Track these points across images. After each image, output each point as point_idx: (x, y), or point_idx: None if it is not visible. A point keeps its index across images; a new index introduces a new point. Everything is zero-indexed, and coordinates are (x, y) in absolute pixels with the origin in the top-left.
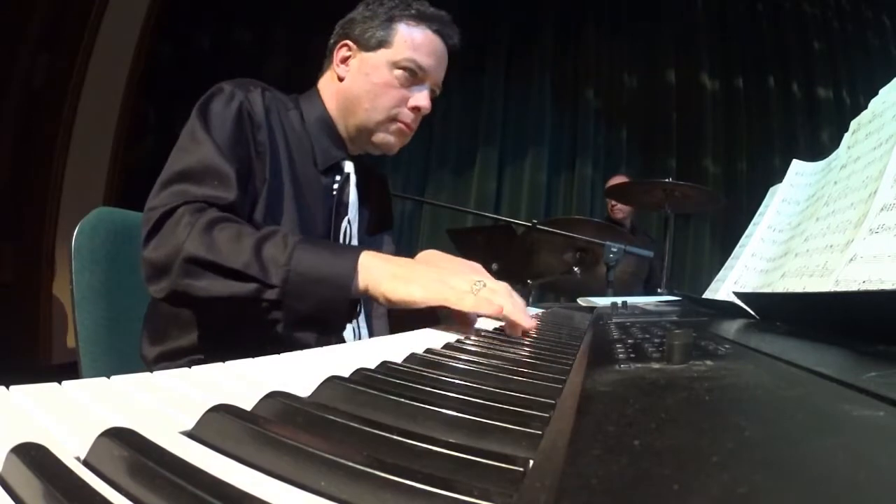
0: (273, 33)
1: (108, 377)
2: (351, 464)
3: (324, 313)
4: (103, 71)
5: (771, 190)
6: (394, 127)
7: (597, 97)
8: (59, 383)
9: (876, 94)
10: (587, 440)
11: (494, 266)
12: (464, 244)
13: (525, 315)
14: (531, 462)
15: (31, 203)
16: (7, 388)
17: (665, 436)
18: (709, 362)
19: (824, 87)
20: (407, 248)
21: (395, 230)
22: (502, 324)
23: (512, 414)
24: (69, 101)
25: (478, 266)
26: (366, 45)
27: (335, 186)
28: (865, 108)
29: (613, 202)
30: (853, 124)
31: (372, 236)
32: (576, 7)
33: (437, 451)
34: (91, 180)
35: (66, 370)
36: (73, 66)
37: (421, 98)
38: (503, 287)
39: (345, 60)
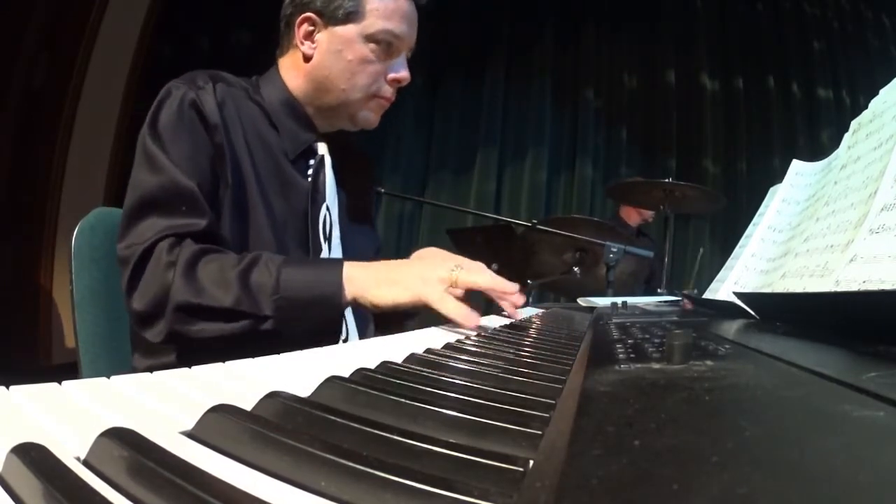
0: (273, 33)
1: (108, 377)
2: (351, 464)
3: (318, 329)
4: (103, 71)
5: (771, 190)
6: (373, 103)
7: (597, 97)
8: (59, 383)
9: (876, 94)
10: (587, 440)
11: (494, 266)
12: (464, 244)
13: (507, 284)
14: (531, 462)
15: (31, 203)
16: (7, 388)
17: (665, 436)
18: (709, 362)
19: (824, 87)
20: (406, 249)
21: (394, 230)
22: (504, 322)
23: (512, 414)
24: (69, 101)
25: (456, 256)
26: (333, 18)
27: (309, 172)
28: (865, 108)
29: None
30: (853, 124)
31: (356, 225)
32: (576, 7)
33: (437, 451)
34: (91, 180)
35: (66, 370)
36: (73, 66)
37: (400, 69)
38: (478, 266)
39: (309, 36)
